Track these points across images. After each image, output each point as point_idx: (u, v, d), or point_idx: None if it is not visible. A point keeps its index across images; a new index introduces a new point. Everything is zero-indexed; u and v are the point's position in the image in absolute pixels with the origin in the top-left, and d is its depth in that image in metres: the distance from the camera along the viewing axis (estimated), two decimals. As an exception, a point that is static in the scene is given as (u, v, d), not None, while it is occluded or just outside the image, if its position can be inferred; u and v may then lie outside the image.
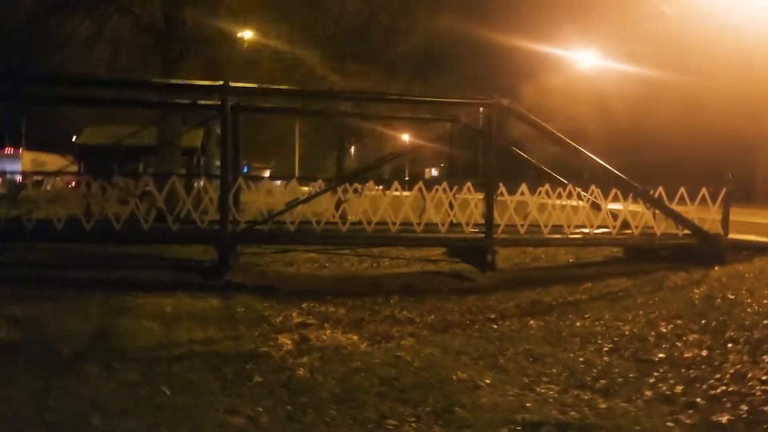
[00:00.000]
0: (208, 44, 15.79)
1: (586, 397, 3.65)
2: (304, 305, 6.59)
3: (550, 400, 3.64)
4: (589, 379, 3.98)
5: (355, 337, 5.33)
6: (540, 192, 8.98)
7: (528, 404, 3.56)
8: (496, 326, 5.56)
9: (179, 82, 8.77)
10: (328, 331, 5.53)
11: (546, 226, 8.36)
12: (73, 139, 25.49)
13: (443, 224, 8.38)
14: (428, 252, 10.84)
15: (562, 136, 8.11)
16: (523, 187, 8.39)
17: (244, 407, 3.61)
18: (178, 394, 3.75)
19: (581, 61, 30.09)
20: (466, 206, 9.42)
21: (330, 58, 17.41)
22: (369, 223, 8.15)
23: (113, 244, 8.48)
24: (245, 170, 36.17)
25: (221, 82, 7.48)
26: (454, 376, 4.09)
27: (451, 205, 9.16)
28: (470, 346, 4.89)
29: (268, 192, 9.44)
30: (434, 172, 42.11)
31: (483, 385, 3.93)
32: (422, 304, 6.70)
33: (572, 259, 9.63)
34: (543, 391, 3.80)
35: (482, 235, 8.12)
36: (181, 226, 7.77)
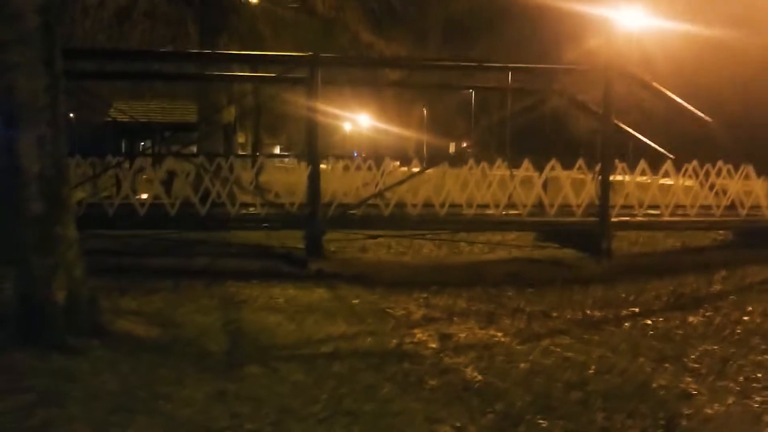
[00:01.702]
0: (247, 13, 15.49)
1: (827, 408, 3.48)
2: (415, 296, 6.50)
3: (788, 411, 3.48)
4: (811, 386, 3.80)
5: (499, 334, 5.19)
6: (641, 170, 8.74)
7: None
8: (650, 322, 5.39)
9: (266, 54, 8.53)
10: (462, 326, 5.40)
11: (667, 207, 8.11)
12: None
13: (551, 206, 8.17)
14: (504, 236, 10.72)
15: (692, 108, 7.79)
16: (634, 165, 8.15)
17: (440, 415, 3.50)
18: (363, 399, 3.65)
19: (626, 22, 29.01)
20: (552, 185, 9.19)
21: (368, 23, 17.07)
22: (470, 206, 8.00)
23: (198, 230, 8.41)
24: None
25: (311, 53, 7.28)
26: (654, 383, 3.93)
27: (544, 185, 8.97)
28: (640, 346, 4.72)
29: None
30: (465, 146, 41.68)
31: (693, 392, 3.77)
32: (545, 296, 6.55)
33: (678, 244, 9.41)
34: (768, 400, 3.64)
35: (594, 218, 7.90)
36: (269, 210, 7.66)
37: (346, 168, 10.21)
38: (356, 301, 6.20)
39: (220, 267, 7.77)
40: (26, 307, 4.05)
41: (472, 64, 8.55)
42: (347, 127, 54.00)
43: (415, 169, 8.09)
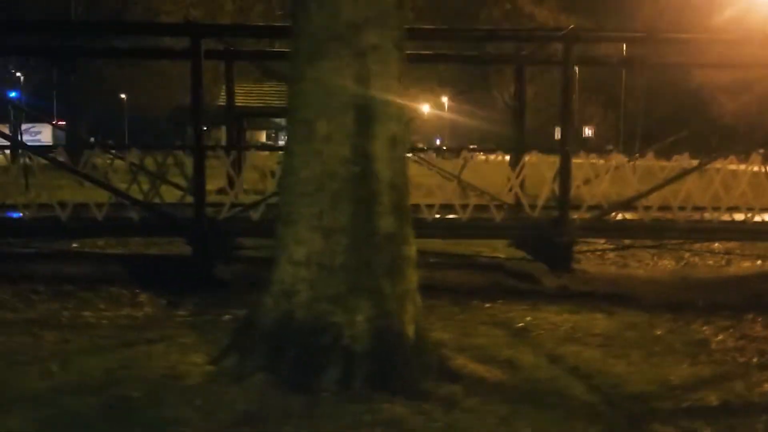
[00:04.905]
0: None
1: None
2: (716, 323, 5.92)
3: None
4: None
5: None
6: None
7: None
8: None
9: (520, 29, 8.10)
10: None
11: None
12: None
13: None
14: (722, 245, 9.97)
15: None
16: None
17: None
18: None
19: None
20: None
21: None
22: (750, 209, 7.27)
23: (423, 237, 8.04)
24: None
25: (570, 27, 6.76)
26: None
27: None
28: None
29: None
30: (588, 131, 39.94)
31: None
32: None
33: None
34: None
35: None
36: (507, 214, 7.23)
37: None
38: (659, 332, 5.67)
39: (440, 281, 7.44)
40: (378, 344, 3.74)
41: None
42: (425, 109, 52.96)
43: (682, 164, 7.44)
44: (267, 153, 11.32)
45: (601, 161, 8.73)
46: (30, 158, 7.78)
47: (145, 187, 8.42)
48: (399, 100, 3.83)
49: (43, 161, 8.09)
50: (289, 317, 3.75)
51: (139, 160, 7.91)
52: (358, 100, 3.71)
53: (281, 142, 35.43)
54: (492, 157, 9.87)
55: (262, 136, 38.03)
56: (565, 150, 6.97)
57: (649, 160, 8.37)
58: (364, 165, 3.73)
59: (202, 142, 7.00)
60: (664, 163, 8.68)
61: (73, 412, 3.45)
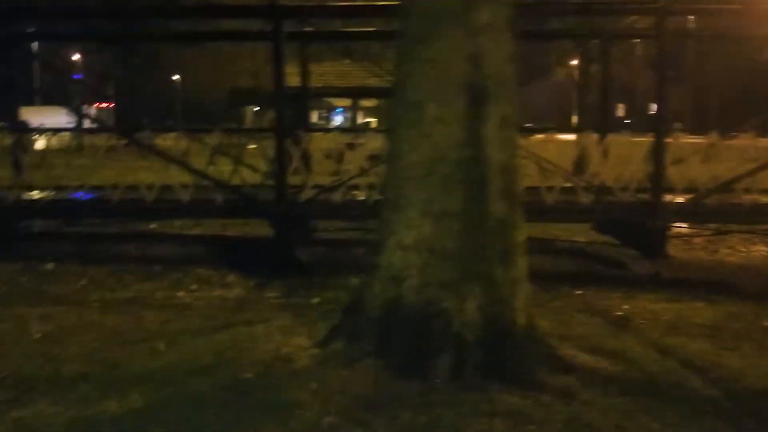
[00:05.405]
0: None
1: None
2: None
3: None
4: None
5: None
6: None
7: None
8: None
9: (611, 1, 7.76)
10: None
11: None
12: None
13: None
14: None
15: None
16: None
17: None
18: None
19: None
20: None
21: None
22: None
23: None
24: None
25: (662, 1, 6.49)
26: None
27: None
28: None
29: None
30: (654, 108, 38.64)
31: None
32: None
33: None
34: None
35: None
36: (595, 197, 7.04)
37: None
38: (767, 323, 5.46)
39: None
40: (490, 332, 3.70)
41: None
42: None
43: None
44: (334, 135, 11.41)
45: (693, 140, 8.42)
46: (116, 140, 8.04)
47: (225, 169, 8.57)
48: (511, 80, 3.75)
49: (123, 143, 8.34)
50: (398, 303, 3.75)
51: (219, 142, 8.05)
52: (470, 81, 3.64)
53: (333, 124, 35.52)
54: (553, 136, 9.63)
55: (314, 117, 38.31)
56: (660, 128, 6.72)
57: (747, 140, 8.02)
58: (476, 148, 3.66)
59: (283, 124, 7.06)
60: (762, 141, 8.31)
61: (189, 392, 3.55)
